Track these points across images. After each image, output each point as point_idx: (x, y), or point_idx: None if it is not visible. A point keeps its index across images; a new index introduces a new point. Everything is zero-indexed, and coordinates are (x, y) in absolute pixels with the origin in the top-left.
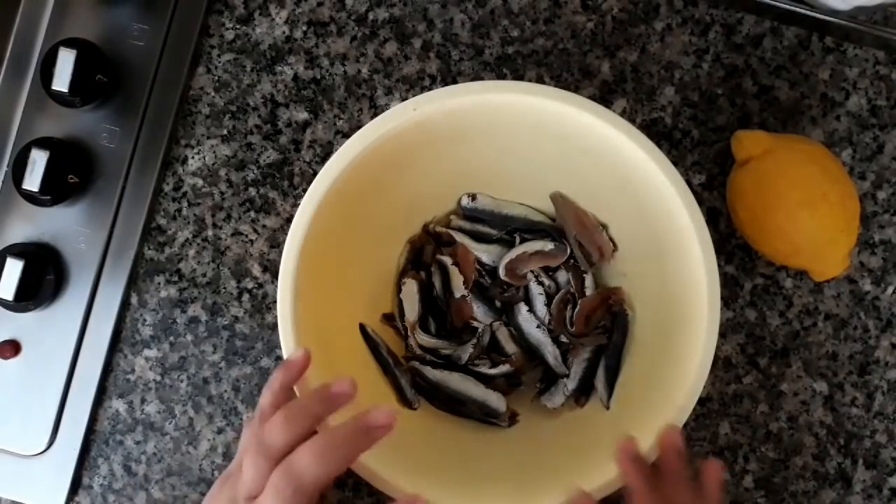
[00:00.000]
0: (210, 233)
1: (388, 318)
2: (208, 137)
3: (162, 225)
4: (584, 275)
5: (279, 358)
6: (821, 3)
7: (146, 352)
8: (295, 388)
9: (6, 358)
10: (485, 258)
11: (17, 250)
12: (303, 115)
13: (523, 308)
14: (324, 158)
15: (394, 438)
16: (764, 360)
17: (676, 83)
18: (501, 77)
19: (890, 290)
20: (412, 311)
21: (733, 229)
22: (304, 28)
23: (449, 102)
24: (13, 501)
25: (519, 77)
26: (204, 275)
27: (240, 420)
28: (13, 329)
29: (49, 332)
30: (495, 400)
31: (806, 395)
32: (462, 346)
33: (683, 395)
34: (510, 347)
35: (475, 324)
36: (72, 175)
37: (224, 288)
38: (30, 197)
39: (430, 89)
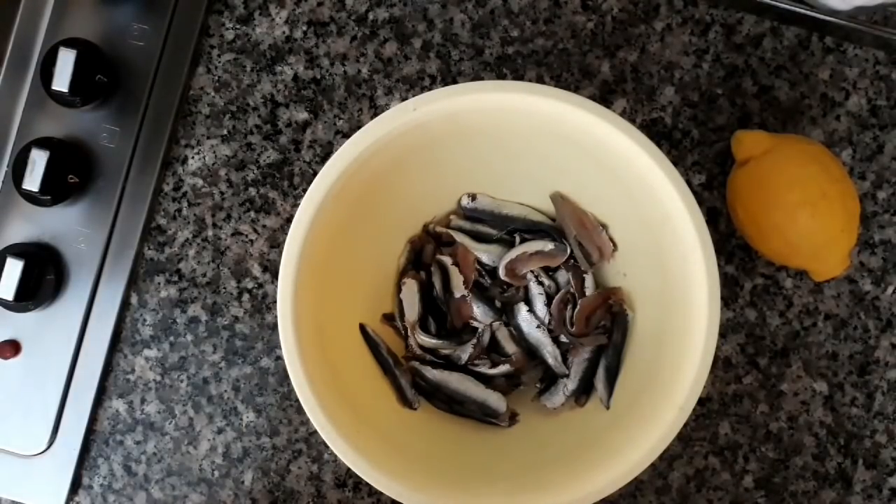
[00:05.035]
0: (210, 233)
1: (388, 318)
2: (208, 137)
3: (162, 225)
4: (584, 275)
5: (279, 358)
6: (821, 3)
7: (146, 352)
8: (297, 389)
9: (6, 358)
10: (485, 258)
11: (17, 250)
12: (303, 115)
13: (523, 308)
14: (324, 158)
15: (394, 438)
16: (764, 360)
17: (676, 83)
18: (501, 77)
19: (890, 290)
20: (412, 311)
21: (733, 229)
22: (304, 28)
23: (449, 102)
24: (13, 501)
25: (519, 77)
26: (204, 275)
27: (240, 420)
28: (13, 329)
29: (49, 332)
30: (495, 400)
31: (806, 395)
32: (462, 346)
33: (683, 395)
34: (510, 347)
35: (475, 324)
36: (72, 175)
37: (224, 288)
38: (30, 197)
39: (430, 89)
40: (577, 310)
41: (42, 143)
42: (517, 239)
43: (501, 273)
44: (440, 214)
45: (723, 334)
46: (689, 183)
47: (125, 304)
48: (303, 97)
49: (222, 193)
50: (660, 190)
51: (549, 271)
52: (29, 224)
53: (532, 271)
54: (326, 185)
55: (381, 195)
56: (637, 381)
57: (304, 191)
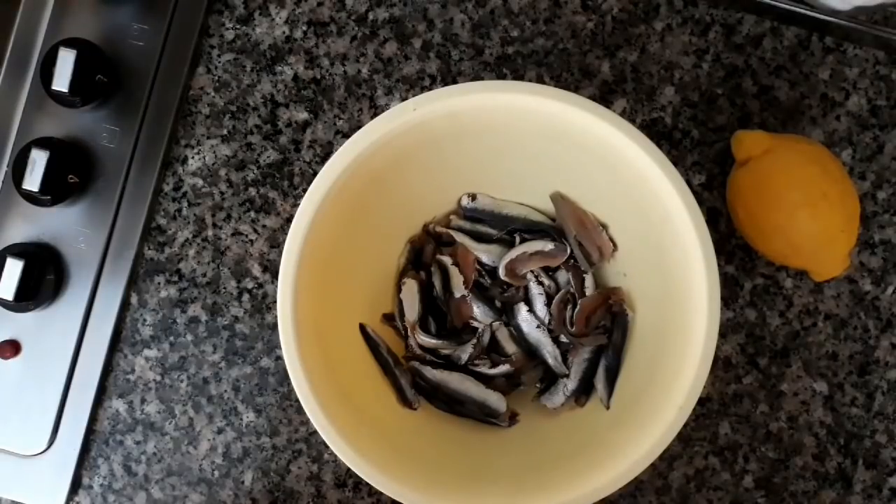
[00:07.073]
0: (210, 233)
1: (388, 318)
2: (208, 137)
3: (162, 225)
4: (584, 275)
5: (279, 358)
6: (821, 3)
7: (146, 352)
8: (297, 389)
9: (6, 358)
10: (485, 258)
11: (17, 250)
12: (303, 115)
13: (523, 308)
14: (324, 158)
15: (394, 438)
16: (764, 360)
17: (676, 83)
18: (501, 77)
19: (890, 290)
20: (412, 311)
21: (733, 229)
22: (304, 28)
23: (449, 102)
24: (13, 501)
25: (519, 77)
26: (204, 275)
27: (240, 420)
28: (13, 329)
29: (49, 332)
30: (495, 400)
31: (806, 395)
32: (462, 346)
33: (683, 395)
34: (510, 347)
35: (475, 324)
36: (72, 175)
37: (224, 288)
38: (30, 197)
39: (430, 89)
40: (577, 310)
41: (42, 143)
42: (517, 239)
43: (501, 273)
44: (440, 214)
45: (723, 334)
46: (689, 183)
47: (125, 304)
48: (303, 97)
49: (222, 193)
50: (660, 190)
51: (549, 271)
52: (29, 224)
53: (532, 271)
54: (326, 185)
55: (382, 195)
56: (637, 381)
57: (304, 191)
